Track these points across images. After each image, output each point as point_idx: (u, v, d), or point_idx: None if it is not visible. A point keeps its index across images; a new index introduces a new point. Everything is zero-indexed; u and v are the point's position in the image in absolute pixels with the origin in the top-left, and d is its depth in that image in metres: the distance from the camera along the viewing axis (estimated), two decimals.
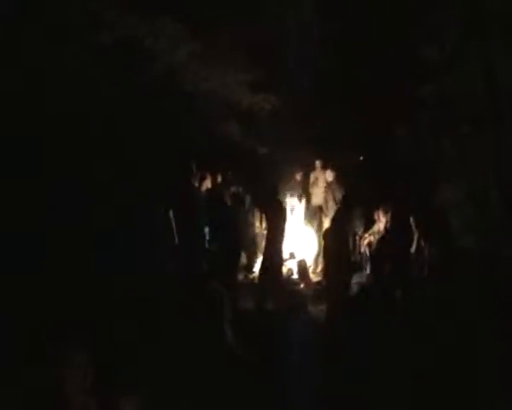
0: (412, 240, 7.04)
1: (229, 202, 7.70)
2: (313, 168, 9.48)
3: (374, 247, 7.98)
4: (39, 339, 3.74)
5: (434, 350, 4.96)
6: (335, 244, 6.72)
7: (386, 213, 7.49)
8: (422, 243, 6.85)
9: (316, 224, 9.34)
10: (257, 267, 8.21)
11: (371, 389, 4.48)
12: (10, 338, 3.77)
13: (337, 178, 9.07)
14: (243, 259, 8.33)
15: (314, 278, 8.61)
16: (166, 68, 7.85)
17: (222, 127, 8.63)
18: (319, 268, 8.63)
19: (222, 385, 3.39)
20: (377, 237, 7.83)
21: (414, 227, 7.05)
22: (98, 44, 6.96)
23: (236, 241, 7.23)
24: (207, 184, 7.45)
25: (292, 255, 8.92)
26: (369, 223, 8.23)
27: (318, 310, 7.14)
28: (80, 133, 5.97)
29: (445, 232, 6.74)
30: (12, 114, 5.29)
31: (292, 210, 9.13)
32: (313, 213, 9.45)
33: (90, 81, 6.67)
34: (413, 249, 6.99)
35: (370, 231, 8.18)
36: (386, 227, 7.49)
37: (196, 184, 7.21)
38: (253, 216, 8.82)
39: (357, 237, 8.53)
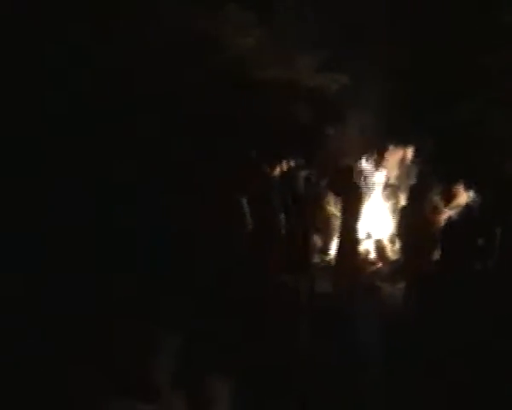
0: (491, 217, 6.77)
1: (302, 186, 7.72)
2: (388, 147, 9.32)
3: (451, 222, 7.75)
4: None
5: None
6: (413, 221, 6.66)
7: (467, 188, 7.25)
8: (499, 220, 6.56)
9: (392, 202, 9.20)
10: (333, 249, 8.24)
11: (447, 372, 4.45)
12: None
13: (413, 155, 8.89)
14: (319, 241, 8.36)
15: (391, 256, 8.51)
16: (234, 56, 7.94)
17: (293, 111, 8.61)
18: (396, 246, 8.51)
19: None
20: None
21: (493, 203, 6.78)
22: (166, 36, 7.11)
23: (311, 224, 7.26)
24: (280, 168, 7.49)
25: (368, 235, 8.84)
26: (450, 198, 7.98)
27: (396, 289, 7.10)
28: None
29: None
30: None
31: (368, 190, 9.03)
32: (389, 192, 9.31)
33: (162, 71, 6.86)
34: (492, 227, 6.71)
35: (450, 206, 7.94)
36: (466, 202, 7.26)
37: (269, 170, 7.28)
38: (328, 198, 8.79)
39: (437, 213, 8.31)
